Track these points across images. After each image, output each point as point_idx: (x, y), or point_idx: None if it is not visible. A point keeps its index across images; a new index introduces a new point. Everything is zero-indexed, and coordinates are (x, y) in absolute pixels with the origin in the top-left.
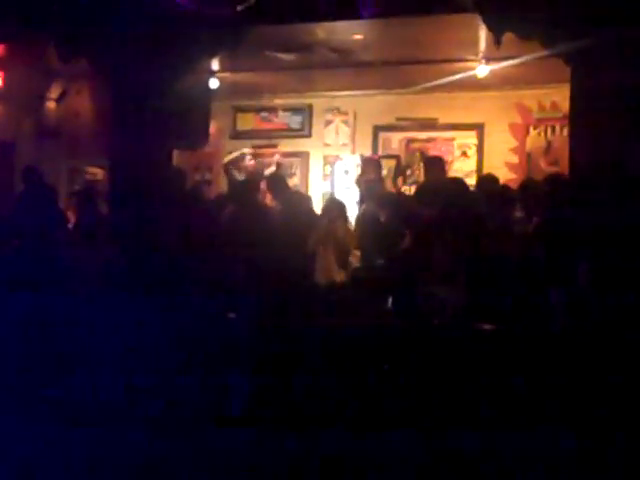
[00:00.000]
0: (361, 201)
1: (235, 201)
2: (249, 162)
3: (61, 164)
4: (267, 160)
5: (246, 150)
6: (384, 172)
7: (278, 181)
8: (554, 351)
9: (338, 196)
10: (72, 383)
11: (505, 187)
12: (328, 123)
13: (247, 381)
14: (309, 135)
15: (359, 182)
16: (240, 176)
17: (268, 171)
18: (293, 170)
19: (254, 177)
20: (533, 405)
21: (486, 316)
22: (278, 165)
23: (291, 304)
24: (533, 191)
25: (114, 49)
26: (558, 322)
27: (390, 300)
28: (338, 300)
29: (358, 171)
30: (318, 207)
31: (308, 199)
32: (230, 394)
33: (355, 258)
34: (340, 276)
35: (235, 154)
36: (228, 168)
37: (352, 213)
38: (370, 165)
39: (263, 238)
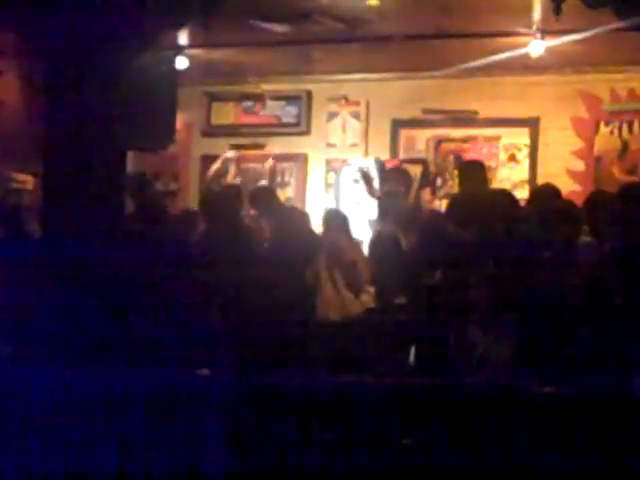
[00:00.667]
0: (376, 221)
1: (210, 219)
2: (233, 170)
3: None
4: (254, 166)
5: (231, 155)
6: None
7: (265, 194)
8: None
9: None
10: None
11: (567, 202)
12: (332, 116)
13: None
14: (307, 132)
15: (374, 193)
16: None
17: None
18: (286, 178)
19: (235, 187)
20: None
21: (541, 374)
22: (271, 173)
23: (284, 355)
24: (604, 207)
25: (50, 18)
26: None
27: (412, 352)
28: (344, 349)
29: (373, 181)
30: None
31: (305, 216)
32: None
33: (368, 296)
34: (355, 307)
35: (219, 163)
36: (213, 182)
37: (364, 236)
38: (395, 176)
39: (246, 268)
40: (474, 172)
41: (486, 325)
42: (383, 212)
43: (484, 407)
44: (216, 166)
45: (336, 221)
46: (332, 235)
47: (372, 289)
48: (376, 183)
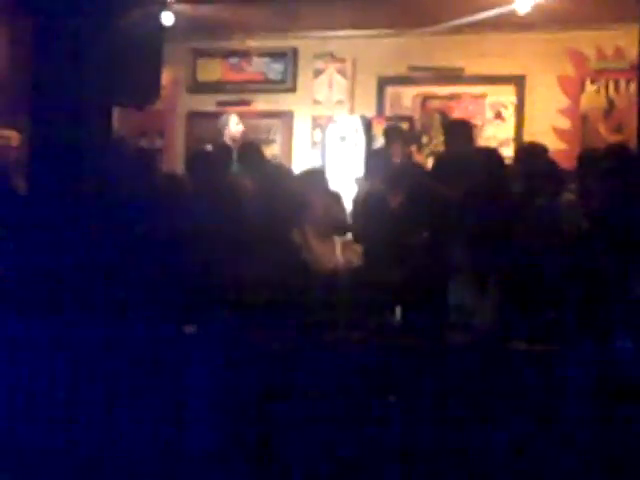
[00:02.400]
0: (363, 179)
1: (195, 176)
2: (236, 127)
3: None
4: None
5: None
6: None
7: (250, 150)
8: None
9: (331, 170)
10: None
11: (553, 160)
12: (318, 73)
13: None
14: (293, 89)
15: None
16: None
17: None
18: (271, 135)
19: (225, 146)
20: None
21: (524, 334)
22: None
23: (268, 315)
24: (591, 166)
25: None
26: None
27: (398, 311)
28: (327, 309)
29: (357, 137)
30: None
31: (290, 173)
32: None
33: (354, 254)
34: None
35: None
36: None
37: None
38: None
39: (233, 227)
40: (460, 131)
41: (470, 285)
42: (370, 170)
43: (470, 366)
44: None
45: (309, 179)
46: (305, 191)
47: (358, 248)
48: (362, 141)
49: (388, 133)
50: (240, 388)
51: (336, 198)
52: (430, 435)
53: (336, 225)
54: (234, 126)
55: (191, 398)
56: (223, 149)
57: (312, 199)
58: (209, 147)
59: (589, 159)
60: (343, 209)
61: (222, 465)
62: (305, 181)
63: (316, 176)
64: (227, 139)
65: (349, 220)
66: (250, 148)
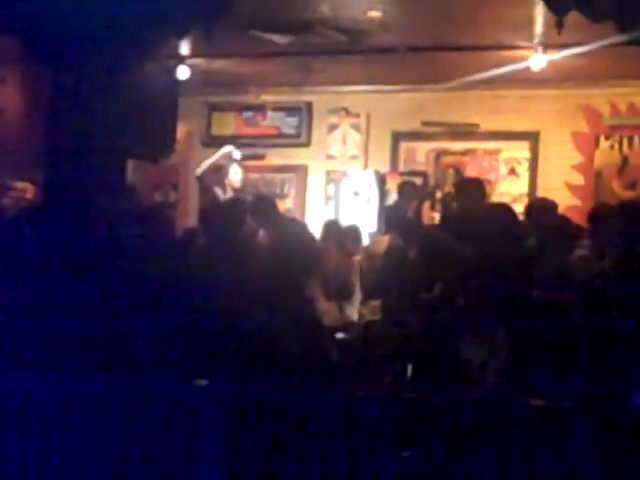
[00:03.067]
0: (385, 231)
1: (209, 233)
2: (235, 174)
3: None
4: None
5: (229, 150)
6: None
7: (264, 205)
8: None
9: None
10: None
11: (564, 216)
12: (333, 128)
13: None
14: (307, 143)
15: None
16: (221, 193)
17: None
18: (285, 190)
19: (239, 200)
20: None
21: (538, 389)
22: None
23: (282, 369)
24: (604, 222)
25: (52, 26)
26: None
27: (410, 367)
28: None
29: (371, 192)
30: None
31: (304, 227)
32: None
33: (370, 310)
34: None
35: (215, 157)
36: (204, 180)
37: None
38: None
39: (247, 282)
40: (471, 190)
41: (482, 340)
42: (389, 224)
43: (481, 419)
44: (208, 162)
45: (328, 232)
46: (322, 245)
47: (376, 303)
48: (375, 196)
49: (403, 189)
50: (250, 444)
51: (349, 259)
52: None
53: (343, 288)
54: (233, 175)
55: (202, 454)
56: (236, 203)
57: (326, 256)
58: (223, 200)
59: (599, 215)
60: (354, 272)
61: None
62: (322, 230)
63: (333, 228)
64: (228, 188)
65: (358, 282)
66: (263, 202)
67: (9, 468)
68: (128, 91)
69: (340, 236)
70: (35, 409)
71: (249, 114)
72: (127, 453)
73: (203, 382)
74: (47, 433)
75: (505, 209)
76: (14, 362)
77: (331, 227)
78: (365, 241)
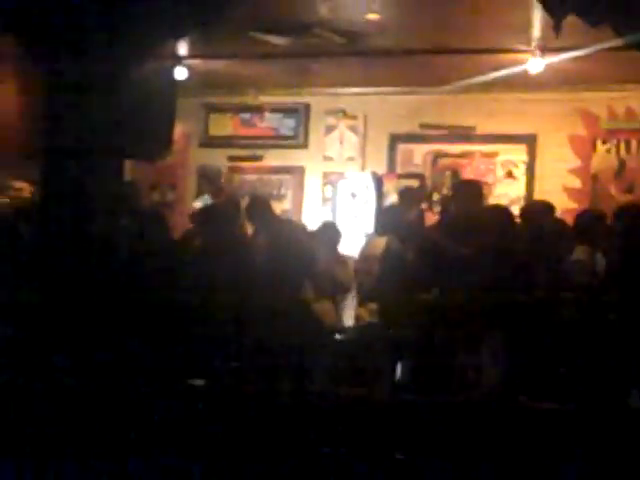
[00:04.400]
0: (381, 233)
1: (206, 231)
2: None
3: None
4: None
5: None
6: None
7: (260, 206)
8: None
9: (341, 225)
10: None
11: (560, 219)
12: (330, 130)
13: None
14: (304, 145)
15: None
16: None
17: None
18: (283, 191)
19: (234, 199)
20: None
21: (534, 391)
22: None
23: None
24: (600, 226)
25: (49, 25)
26: None
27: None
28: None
29: (368, 194)
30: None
31: (301, 229)
32: None
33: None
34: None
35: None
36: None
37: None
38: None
39: (242, 282)
40: (470, 192)
41: (478, 343)
42: (386, 226)
43: (477, 423)
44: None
45: (323, 233)
46: (317, 247)
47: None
48: (372, 198)
49: (403, 195)
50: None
51: (342, 258)
52: None
53: (336, 285)
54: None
55: None
56: (230, 203)
57: (319, 256)
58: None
59: (597, 219)
60: (347, 270)
61: None
62: (319, 236)
63: (330, 231)
64: None
65: (352, 282)
66: (258, 203)
67: None
68: (126, 91)
69: (334, 237)
70: None
71: (246, 115)
72: None
73: (199, 382)
74: None
75: (502, 211)
76: None
77: (325, 228)
78: (361, 243)
